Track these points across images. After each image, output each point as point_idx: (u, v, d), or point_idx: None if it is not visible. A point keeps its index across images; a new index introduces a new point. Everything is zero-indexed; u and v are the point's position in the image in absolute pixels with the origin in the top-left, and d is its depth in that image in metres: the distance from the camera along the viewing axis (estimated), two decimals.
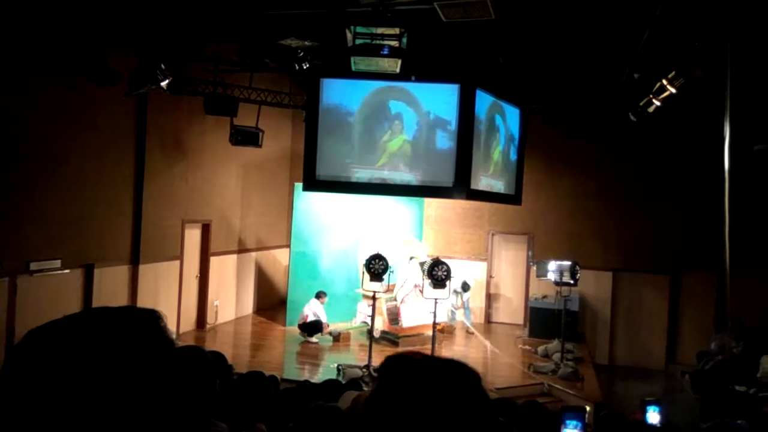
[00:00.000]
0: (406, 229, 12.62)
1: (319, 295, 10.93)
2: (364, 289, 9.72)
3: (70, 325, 0.83)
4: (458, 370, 1.03)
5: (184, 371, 1.93)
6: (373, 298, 9.25)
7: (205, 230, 11.55)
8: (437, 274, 9.02)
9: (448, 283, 9.08)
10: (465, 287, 11.99)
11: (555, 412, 3.91)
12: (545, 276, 10.88)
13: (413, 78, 9.70)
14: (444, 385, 0.99)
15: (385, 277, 9.24)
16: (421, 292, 10.36)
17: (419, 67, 9.44)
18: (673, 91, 7.67)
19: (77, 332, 0.82)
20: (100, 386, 0.78)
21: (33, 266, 7.69)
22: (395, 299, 10.86)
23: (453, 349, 11.05)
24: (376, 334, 10.30)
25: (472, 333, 11.49)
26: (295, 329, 11.06)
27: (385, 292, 10.25)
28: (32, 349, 0.81)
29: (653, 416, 3.56)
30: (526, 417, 3.77)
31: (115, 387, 0.79)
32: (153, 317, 0.88)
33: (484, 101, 10.24)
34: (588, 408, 6.10)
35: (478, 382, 1.02)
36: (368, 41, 7.28)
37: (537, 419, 3.73)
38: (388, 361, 1.04)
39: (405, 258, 11.28)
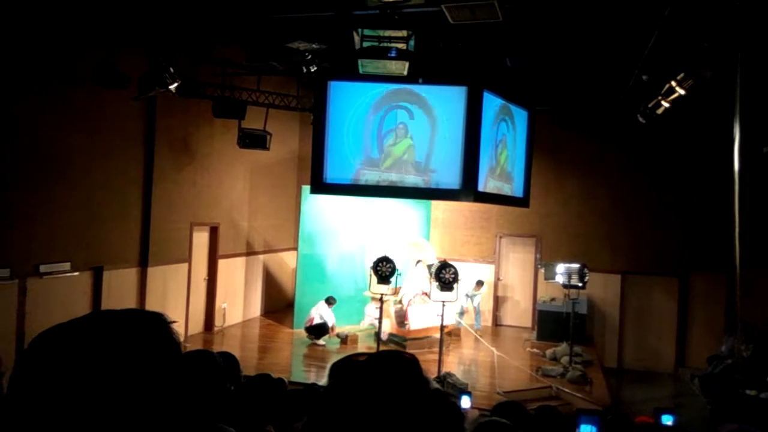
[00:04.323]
0: (413, 232, 12.61)
1: (329, 300, 10.94)
2: (371, 292, 9.71)
3: (77, 329, 0.83)
4: (395, 361, 1.07)
5: (192, 375, 1.93)
6: (381, 300, 9.25)
7: (213, 233, 11.58)
8: (444, 276, 9.00)
9: (455, 285, 9.05)
10: (479, 283, 12.13)
11: (564, 416, 3.89)
12: (553, 279, 10.83)
13: (421, 80, 9.70)
14: (383, 377, 1.03)
15: (393, 279, 9.24)
16: (428, 296, 10.36)
17: (427, 69, 9.43)
18: (682, 92, 7.62)
19: (84, 335, 0.82)
20: (106, 389, 0.78)
21: (43, 269, 7.74)
22: (401, 302, 10.85)
23: (461, 353, 11.03)
24: (384, 336, 10.29)
25: (480, 337, 11.45)
26: (302, 332, 11.07)
27: (393, 294, 10.24)
28: (40, 352, 0.81)
29: (668, 425, 3.52)
30: (539, 421, 3.75)
31: (121, 390, 0.79)
32: (159, 320, 0.89)
33: (491, 103, 10.22)
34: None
35: (415, 368, 1.06)
36: (376, 44, 7.28)
37: (551, 424, 3.70)
38: (334, 367, 1.09)
39: (412, 261, 11.28)
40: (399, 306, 10.89)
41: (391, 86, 9.76)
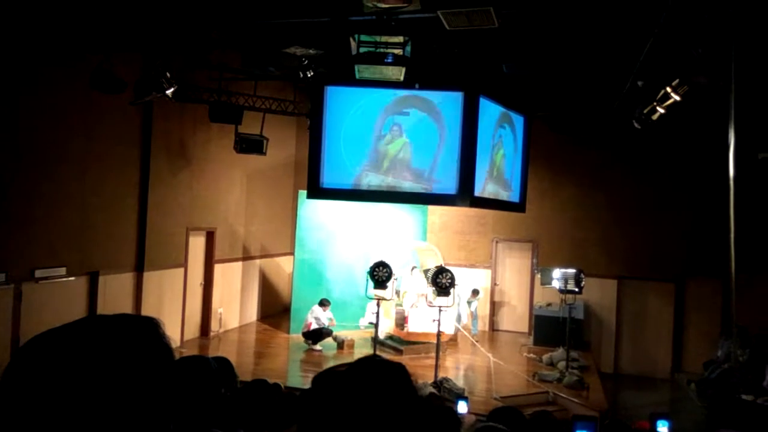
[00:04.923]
0: (410, 236, 12.62)
1: (323, 303, 10.93)
2: (372, 294, 9.71)
3: (69, 333, 0.84)
4: (376, 369, 1.08)
5: (185, 380, 1.92)
6: (378, 304, 9.24)
7: (210, 238, 11.57)
8: (441, 281, 9.00)
9: (452, 290, 9.05)
10: (475, 292, 12.15)
11: (561, 421, 3.88)
12: (550, 284, 10.84)
13: (417, 86, 9.72)
14: (364, 387, 1.03)
15: (389, 284, 9.23)
16: (431, 300, 10.37)
17: (423, 75, 9.46)
18: (677, 98, 7.65)
19: (75, 340, 0.82)
20: (96, 394, 0.78)
21: (38, 273, 7.71)
22: (401, 305, 10.87)
23: (458, 358, 11.02)
24: (382, 335, 10.27)
25: (477, 342, 11.44)
26: (298, 337, 11.05)
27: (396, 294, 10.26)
28: (31, 357, 0.81)
29: (663, 430, 3.51)
30: (535, 427, 3.74)
31: (111, 395, 0.79)
32: (151, 325, 0.89)
33: (487, 109, 10.25)
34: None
35: (399, 375, 1.07)
36: (372, 49, 7.31)
37: (547, 429, 3.70)
38: (316, 380, 1.08)
39: (407, 268, 11.28)
40: (400, 308, 10.91)
41: (388, 91, 9.77)
